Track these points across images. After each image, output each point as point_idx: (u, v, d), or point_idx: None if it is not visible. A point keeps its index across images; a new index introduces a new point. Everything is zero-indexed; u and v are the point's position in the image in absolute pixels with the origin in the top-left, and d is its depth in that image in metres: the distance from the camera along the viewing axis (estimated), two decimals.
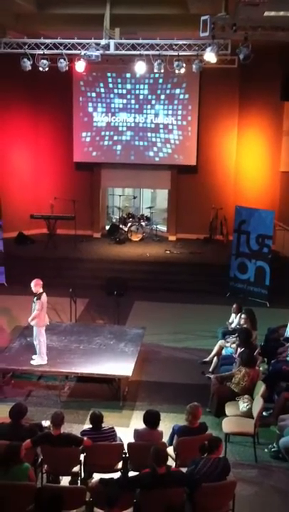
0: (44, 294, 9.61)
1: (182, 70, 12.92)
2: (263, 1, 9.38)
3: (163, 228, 18.92)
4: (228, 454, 7.65)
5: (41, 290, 9.62)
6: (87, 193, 18.18)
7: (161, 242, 17.84)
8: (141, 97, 17.65)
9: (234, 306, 11.02)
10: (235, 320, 10.74)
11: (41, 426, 7.47)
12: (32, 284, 9.60)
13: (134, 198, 20.27)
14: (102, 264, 15.63)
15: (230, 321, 10.97)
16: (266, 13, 10.34)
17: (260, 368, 9.33)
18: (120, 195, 19.17)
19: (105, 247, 17.16)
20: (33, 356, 9.66)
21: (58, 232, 17.19)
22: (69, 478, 7.03)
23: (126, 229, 17.86)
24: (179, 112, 17.59)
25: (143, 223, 18.14)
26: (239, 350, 9.29)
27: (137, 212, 19.57)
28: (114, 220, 19.28)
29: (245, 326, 10.03)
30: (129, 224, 17.91)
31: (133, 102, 17.69)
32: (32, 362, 9.59)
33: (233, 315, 10.91)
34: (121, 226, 18.12)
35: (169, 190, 18.45)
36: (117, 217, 18.94)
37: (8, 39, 12.86)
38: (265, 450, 7.96)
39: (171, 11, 12.40)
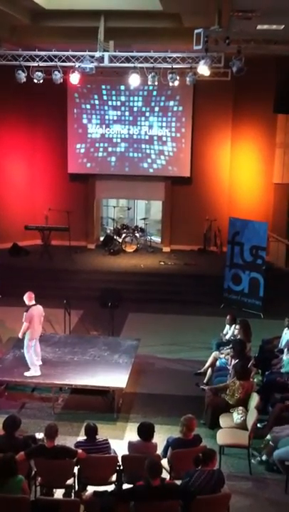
0: (36, 307, 9.67)
1: (176, 83, 13.02)
2: (256, 14, 9.49)
3: (157, 239, 18.95)
4: (223, 466, 7.63)
5: (33, 302, 9.68)
6: (82, 204, 18.21)
7: (156, 253, 17.86)
8: (135, 109, 17.74)
9: (228, 316, 11.04)
10: (229, 331, 10.76)
11: (35, 438, 7.44)
12: (24, 297, 9.72)
13: (129, 209, 20.30)
14: (97, 275, 15.63)
15: (224, 332, 10.99)
16: (259, 27, 10.46)
17: (255, 380, 9.32)
18: (114, 207, 19.21)
19: (99, 258, 17.16)
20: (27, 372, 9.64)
21: (53, 243, 17.18)
22: (63, 490, 7.00)
23: (120, 240, 17.88)
24: (173, 124, 17.68)
25: (137, 234, 18.16)
26: (233, 361, 9.29)
27: (131, 223, 19.60)
28: (108, 231, 19.30)
29: (239, 337, 10.04)
30: (124, 235, 17.93)
31: (127, 113, 17.77)
32: (26, 373, 9.57)
33: (227, 326, 10.92)
34: (115, 237, 18.13)
35: (163, 202, 18.50)
36: (112, 228, 18.96)
37: (3, 51, 12.93)
38: (253, 461, 7.93)
39: (165, 24, 12.50)
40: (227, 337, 10.64)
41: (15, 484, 6.08)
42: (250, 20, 9.76)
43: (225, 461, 7.90)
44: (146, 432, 7.09)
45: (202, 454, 6.42)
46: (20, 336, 9.66)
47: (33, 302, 9.72)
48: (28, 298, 9.71)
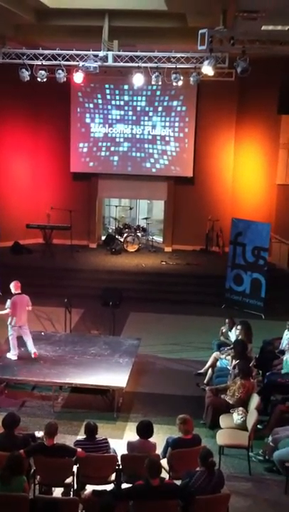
0: (21, 296, 10.17)
1: (180, 83, 13.03)
2: (261, 15, 9.48)
3: (159, 239, 18.95)
4: (222, 467, 7.61)
5: (18, 291, 10.17)
6: (84, 203, 18.21)
7: (157, 253, 17.86)
8: (138, 108, 17.74)
9: (227, 321, 10.96)
10: (231, 334, 10.65)
11: (34, 436, 7.43)
12: (11, 285, 10.25)
13: (131, 208, 20.30)
14: (98, 274, 15.62)
15: (223, 332, 10.89)
16: (264, 27, 10.45)
17: (255, 380, 9.30)
18: (117, 206, 19.21)
19: (101, 258, 17.15)
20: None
21: (54, 242, 17.20)
22: (62, 489, 6.99)
23: (122, 239, 17.88)
24: (176, 124, 17.67)
25: (139, 234, 18.17)
26: (234, 362, 9.27)
27: (133, 222, 19.62)
28: (110, 231, 19.31)
29: (240, 337, 10.02)
30: (126, 234, 17.93)
31: (130, 113, 17.77)
32: (7, 354, 10.12)
33: (226, 329, 10.85)
34: (117, 237, 18.14)
35: (166, 202, 18.50)
36: (114, 227, 18.97)
37: (7, 49, 12.94)
38: (253, 459, 7.94)
39: (170, 24, 12.49)
40: (232, 338, 10.54)
41: (19, 484, 6.06)
42: (255, 20, 9.75)
43: (224, 462, 7.88)
44: (144, 430, 7.08)
45: (199, 455, 6.40)
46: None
47: (19, 291, 10.18)
48: (15, 287, 10.23)
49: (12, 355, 10.08)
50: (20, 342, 10.24)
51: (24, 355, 10.10)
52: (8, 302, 10.04)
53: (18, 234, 17.24)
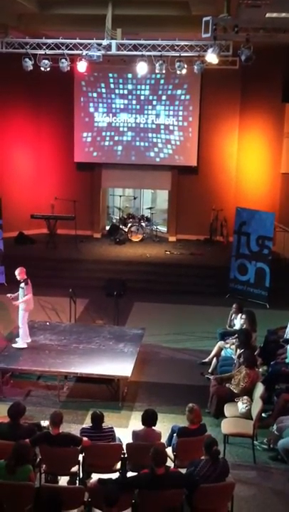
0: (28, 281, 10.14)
1: (184, 71, 12.94)
2: (265, 2, 9.42)
3: (163, 229, 18.92)
4: (227, 455, 7.64)
5: (25, 277, 10.16)
6: (88, 193, 18.19)
7: (161, 242, 17.84)
8: (142, 97, 17.66)
9: (234, 306, 10.99)
10: (236, 321, 10.68)
11: (40, 426, 7.46)
12: (17, 272, 10.20)
13: (135, 198, 20.28)
14: (102, 264, 15.63)
15: (231, 319, 10.91)
16: (268, 15, 10.37)
17: (260, 370, 9.32)
18: (121, 196, 19.18)
19: (105, 248, 17.16)
20: (17, 339, 10.15)
21: (58, 232, 17.20)
22: (67, 478, 7.03)
23: (126, 229, 17.86)
24: (180, 113, 17.59)
25: (143, 224, 18.15)
26: (238, 351, 9.28)
27: (138, 212, 19.58)
28: (114, 221, 19.28)
29: (245, 326, 10.03)
30: (130, 224, 17.91)
31: (134, 102, 17.70)
32: (14, 345, 10.05)
33: (233, 315, 10.88)
34: (121, 226, 18.12)
35: (170, 191, 18.46)
36: (118, 217, 18.95)
37: (10, 39, 12.89)
38: (258, 448, 7.97)
39: (173, 12, 12.42)
40: (237, 327, 10.56)
41: (24, 473, 6.09)
42: (260, 8, 9.70)
43: (229, 451, 7.91)
44: (149, 418, 7.12)
45: (204, 444, 6.42)
46: (18, 303, 10.10)
47: (25, 277, 10.19)
48: (22, 272, 10.23)
49: (23, 343, 10.11)
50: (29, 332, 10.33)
51: (30, 343, 10.15)
52: (26, 287, 10.10)
53: (22, 224, 17.24)
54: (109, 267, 15.35)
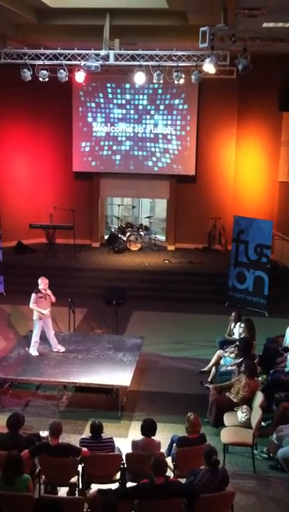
0: None
1: (181, 81, 13.03)
2: (262, 12, 9.45)
3: (162, 238, 18.95)
4: (227, 465, 7.61)
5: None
6: (86, 202, 18.23)
7: (160, 251, 17.86)
8: (140, 107, 17.74)
9: (233, 314, 10.98)
10: (235, 330, 10.68)
11: (39, 436, 7.44)
12: (45, 282, 10.27)
13: (133, 207, 20.31)
14: (101, 273, 15.63)
15: (230, 328, 10.90)
16: (265, 25, 10.42)
17: (259, 378, 9.31)
18: (119, 205, 19.22)
19: (104, 257, 17.17)
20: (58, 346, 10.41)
21: (57, 242, 17.21)
22: (67, 488, 7.00)
23: (125, 238, 17.88)
24: (178, 122, 17.67)
25: (142, 233, 18.16)
26: (237, 360, 9.27)
27: (136, 221, 19.62)
28: (113, 230, 19.31)
29: (243, 335, 10.02)
30: (128, 233, 17.93)
31: (132, 112, 17.78)
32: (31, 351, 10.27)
33: (232, 324, 10.87)
34: (120, 235, 18.14)
35: (168, 200, 18.50)
36: (116, 226, 18.97)
37: (9, 49, 12.96)
38: (257, 457, 7.95)
39: (171, 22, 12.49)
40: (236, 336, 10.55)
41: (21, 483, 6.06)
42: (256, 17, 9.72)
43: (229, 460, 7.88)
44: (148, 427, 7.11)
45: (204, 454, 6.40)
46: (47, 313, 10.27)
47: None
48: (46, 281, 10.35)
49: (34, 349, 10.26)
50: (28, 342, 10.36)
51: (28, 354, 10.15)
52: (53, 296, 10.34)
53: (21, 234, 17.25)
54: (107, 275, 15.35)
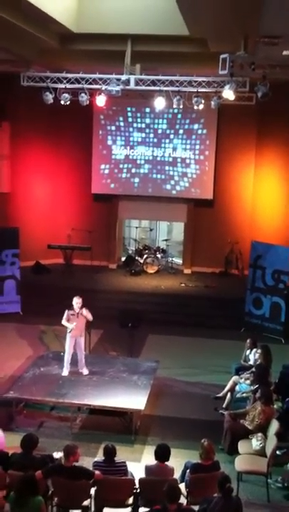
0: None
1: (201, 106, 13.10)
2: (282, 40, 9.55)
3: (178, 261, 18.95)
4: (241, 493, 7.52)
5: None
6: (104, 224, 18.32)
7: (177, 274, 17.86)
8: (159, 131, 17.89)
9: (248, 341, 10.92)
10: (251, 356, 10.61)
11: (52, 457, 7.42)
12: (77, 301, 10.39)
13: (151, 230, 20.37)
14: (117, 295, 15.65)
15: (243, 357, 10.83)
16: (285, 52, 10.50)
17: (275, 406, 9.21)
18: (137, 227, 19.29)
19: (120, 279, 17.20)
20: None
21: (74, 263, 17.30)
22: (79, 511, 6.96)
23: (142, 261, 17.92)
24: (197, 147, 17.78)
25: (159, 255, 18.19)
26: (253, 386, 9.19)
27: (153, 244, 19.66)
28: (130, 252, 19.36)
29: (259, 361, 9.95)
30: (145, 256, 17.97)
31: (152, 136, 17.93)
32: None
33: (248, 350, 10.80)
34: (137, 258, 18.19)
35: (185, 223, 18.54)
36: (133, 248, 19.03)
37: (32, 73, 13.18)
38: (272, 486, 7.85)
39: (191, 49, 12.61)
40: (251, 362, 10.47)
41: (35, 505, 6.04)
42: (277, 45, 9.81)
43: (243, 488, 7.79)
44: (162, 453, 7.07)
45: (218, 481, 6.34)
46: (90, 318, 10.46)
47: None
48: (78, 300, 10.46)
49: (65, 369, 10.40)
50: (43, 362, 10.31)
51: (43, 374, 10.15)
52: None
53: (39, 254, 17.38)
54: (124, 298, 15.35)
